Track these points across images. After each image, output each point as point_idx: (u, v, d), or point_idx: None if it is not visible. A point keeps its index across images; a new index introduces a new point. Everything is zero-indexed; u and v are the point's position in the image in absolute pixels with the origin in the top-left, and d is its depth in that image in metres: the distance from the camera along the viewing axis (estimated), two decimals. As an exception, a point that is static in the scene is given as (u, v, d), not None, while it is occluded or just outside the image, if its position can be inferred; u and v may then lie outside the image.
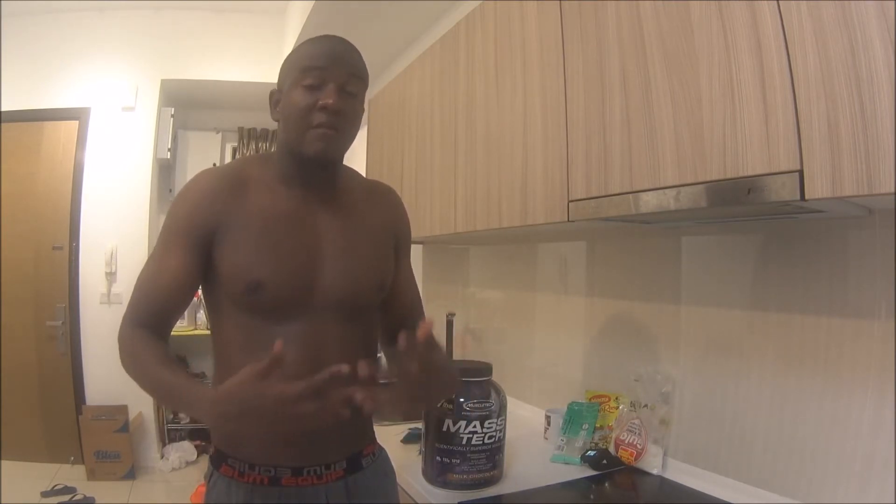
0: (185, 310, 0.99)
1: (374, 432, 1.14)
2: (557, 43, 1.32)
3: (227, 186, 0.99)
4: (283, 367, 0.79)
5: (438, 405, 1.27)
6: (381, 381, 0.88)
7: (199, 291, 1.04)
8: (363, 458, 1.07)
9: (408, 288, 1.19)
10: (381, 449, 1.15)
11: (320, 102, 0.95)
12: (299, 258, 0.99)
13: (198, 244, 0.97)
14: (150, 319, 0.95)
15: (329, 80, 0.97)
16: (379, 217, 1.12)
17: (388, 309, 1.15)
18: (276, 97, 1.04)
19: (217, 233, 0.97)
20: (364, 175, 2.86)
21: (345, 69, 0.98)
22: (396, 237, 1.15)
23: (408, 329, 1.11)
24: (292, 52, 1.04)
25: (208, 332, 1.06)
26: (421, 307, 1.22)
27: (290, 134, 1.00)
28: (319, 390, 0.78)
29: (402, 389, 0.88)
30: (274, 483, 0.97)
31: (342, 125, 0.98)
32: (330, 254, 1.02)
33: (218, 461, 1.00)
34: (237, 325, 0.98)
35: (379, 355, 1.20)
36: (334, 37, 1.04)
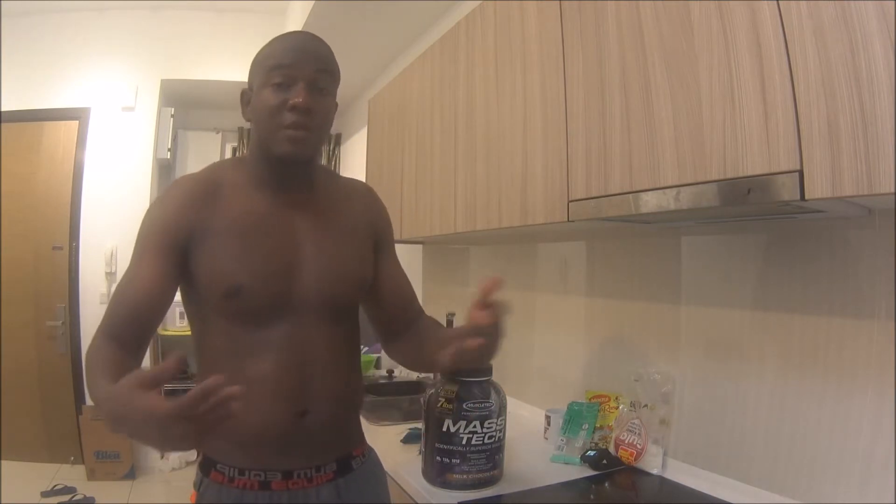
0: (161, 318, 0.94)
1: (363, 434, 1.14)
2: (557, 43, 1.31)
3: (200, 193, 0.97)
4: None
5: (440, 402, 1.27)
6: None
7: (179, 298, 1.01)
8: (353, 459, 1.06)
9: (397, 282, 1.17)
10: (371, 450, 1.15)
11: (290, 102, 0.93)
12: (277, 261, 0.97)
13: (171, 251, 0.94)
14: (122, 330, 0.90)
15: (298, 77, 0.94)
16: (356, 215, 1.11)
17: (381, 305, 1.15)
18: (248, 97, 1.02)
19: (192, 239, 0.95)
20: (364, 175, 2.86)
21: (314, 66, 0.96)
22: (376, 234, 1.14)
23: (405, 319, 1.16)
24: (260, 50, 1.01)
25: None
26: (415, 298, 1.21)
27: (261, 135, 0.98)
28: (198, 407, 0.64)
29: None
30: (264, 487, 0.96)
31: (313, 124, 0.96)
32: (308, 255, 1.00)
33: (207, 467, 0.99)
34: (219, 332, 0.97)
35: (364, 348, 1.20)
36: (302, 32, 1.02)
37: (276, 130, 0.95)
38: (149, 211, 0.99)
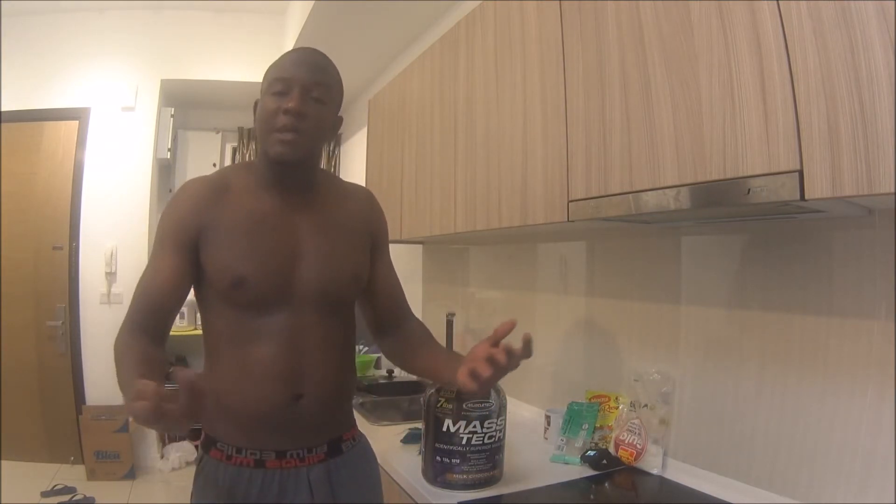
0: (179, 309, 1.04)
1: (354, 419, 1.21)
2: (557, 43, 1.32)
3: (210, 193, 1.06)
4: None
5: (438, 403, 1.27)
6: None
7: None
8: (343, 442, 1.14)
9: (389, 282, 1.26)
10: (362, 435, 1.22)
11: (283, 106, 1.01)
12: (278, 256, 1.05)
13: (184, 248, 1.03)
14: (145, 321, 1.00)
15: (294, 85, 1.02)
16: (354, 217, 1.18)
17: (372, 303, 1.23)
18: (256, 106, 1.11)
19: (202, 235, 1.04)
20: (364, 175, 2.86)
21: (310, 76, 1.03)
22: (372, 235, 1.22)
23: (393, 318, 1.25)
24: (271, 64, 1.09)
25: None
26: (404, 299, 1.29)
27: (260, 138, 1.07)
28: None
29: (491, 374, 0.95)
30: (259, 465, 1.04)
31: (304, 127, 1.03)
32: (306, 251, 1.08)
33: (207, 445, 1.08)
34: (224, 319, 1.06)
35: (360, 346, 1.23)
36: (306, 48, 1.10)
37: (270, 133, 1.03)
38: (164, 213, 1.08)
